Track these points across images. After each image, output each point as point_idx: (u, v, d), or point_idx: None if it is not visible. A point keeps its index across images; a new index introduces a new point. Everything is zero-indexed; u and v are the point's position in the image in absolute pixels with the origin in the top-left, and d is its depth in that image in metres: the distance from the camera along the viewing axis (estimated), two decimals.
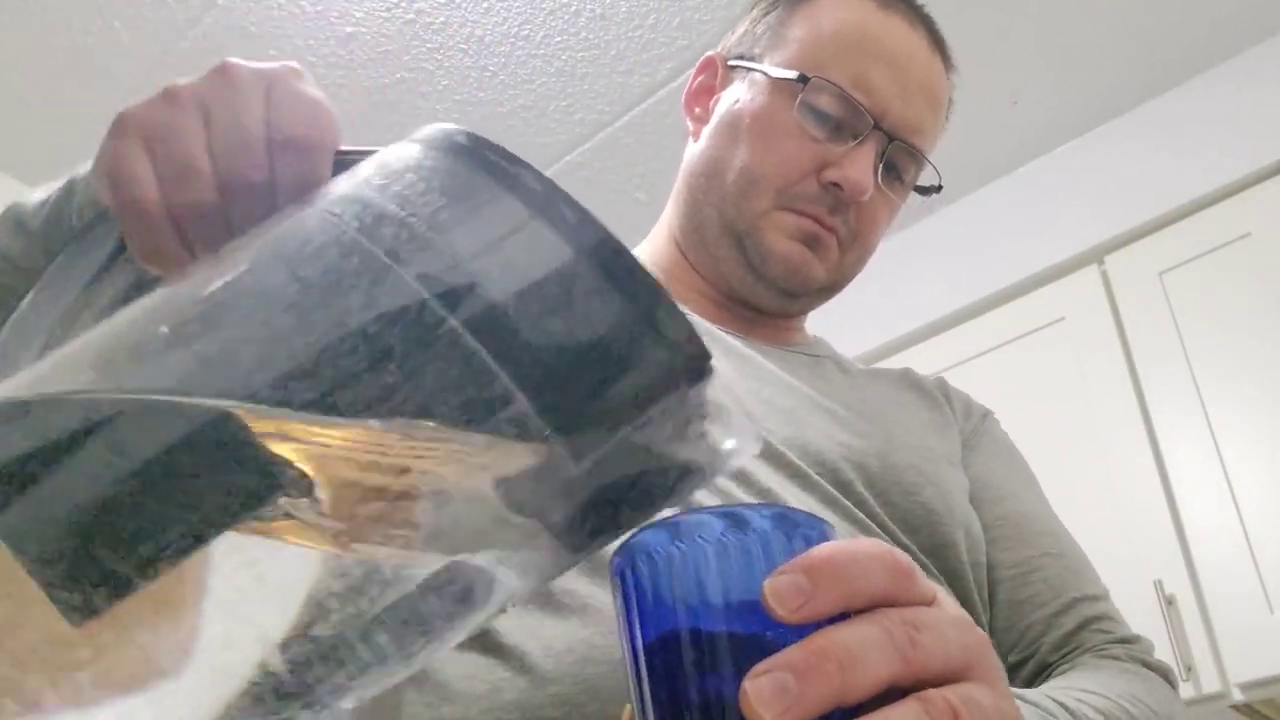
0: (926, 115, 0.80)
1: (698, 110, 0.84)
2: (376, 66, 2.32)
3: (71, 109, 2.39)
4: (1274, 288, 1.89)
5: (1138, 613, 1.81)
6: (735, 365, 0.74)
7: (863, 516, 0.68)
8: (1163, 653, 1.73)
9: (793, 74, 0.76)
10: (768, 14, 0.82)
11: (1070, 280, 2.16)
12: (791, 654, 0.29)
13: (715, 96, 0.83)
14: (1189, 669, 1.72)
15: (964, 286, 2.32)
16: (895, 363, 0.95)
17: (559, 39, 2.26)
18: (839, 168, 0.75)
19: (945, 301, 2.34)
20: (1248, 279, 1.93)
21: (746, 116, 0.78)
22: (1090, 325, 2.12)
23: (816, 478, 0.67)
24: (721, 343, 0.76)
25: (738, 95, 0.80)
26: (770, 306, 0.80)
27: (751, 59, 0.81)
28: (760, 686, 0.29)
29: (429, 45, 2.28)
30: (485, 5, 2.20)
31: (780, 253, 0.76)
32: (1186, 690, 1.71)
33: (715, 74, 0.84)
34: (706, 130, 0.81)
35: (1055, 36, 2.15)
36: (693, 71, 0.85)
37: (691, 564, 0.33)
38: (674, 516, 0.34)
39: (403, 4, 2.19)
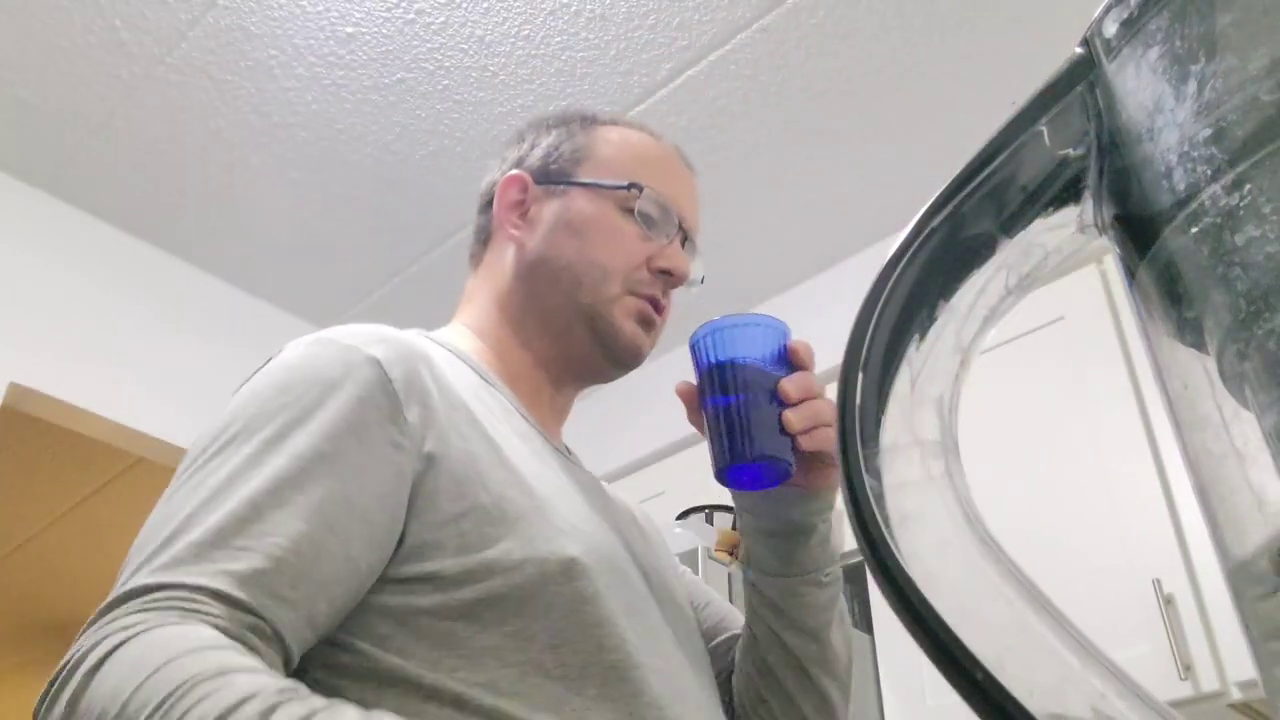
0: (698, 220, 1.00)
1: (515, 220, 0.98)
2: (377, 66, 2.32)
3: (72, 109, 2.39)
4: None
5: (1136, 611, 1.82)
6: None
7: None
8: (1161, 652, 1.75)
9: (624, 184, 0.94)
10: (567, 139, 1.00)
11: (1070, 280, 2.16)
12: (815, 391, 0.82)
13: (528, 208, 0.98)
14: (1188, 668, 1.73)
15: None
16: None
17: (559, 39, 2.26)
18: (666, 258, 0.94)
19: None
20: None
21: (588, 221, 0.94)
22: (1089, 325, 2.12)
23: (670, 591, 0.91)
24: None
25: (569, 204, 0.96)
26: (602, 377, 0.98)
27: (567, 175, 0.97)
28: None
29: (429, 45, 2.28)
30: (485, 5, 2.20)
31: (627, 333, 0.93)
32: (1185, 689, 1.71)
33: (525, 189, 0.98)
34: (539, 235, 0.96)
35: None
36: (501, 186, 0.99)
37: (737, 327, 0.83)
38: (723, 318, 0.83)
39: (403, 4, 2.20)
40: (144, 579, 0.63)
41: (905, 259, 0.36)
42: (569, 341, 0.94)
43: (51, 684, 0.61)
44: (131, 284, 2.68)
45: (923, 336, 0.36)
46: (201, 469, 0.71)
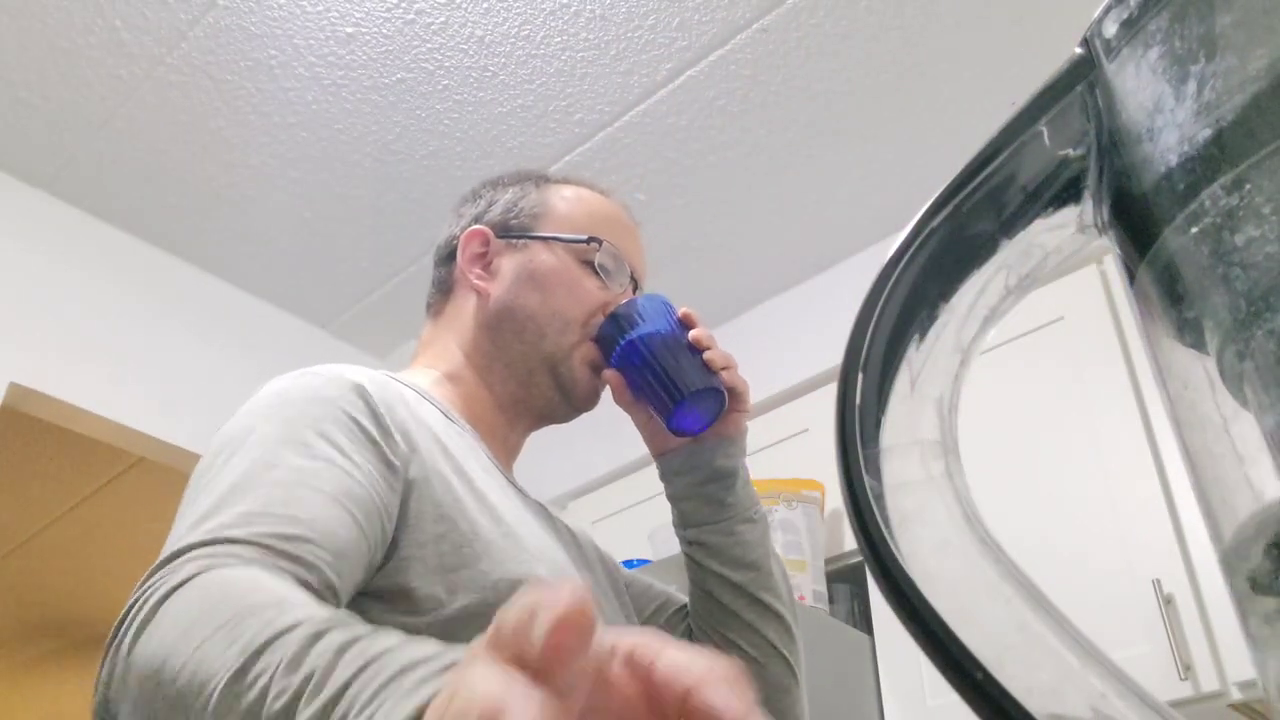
0: (645, 269, 1.11)
1: (479, 272, 1.04)
2: (377, 67, 2.32)
3: (72, 109, 2.39)
4: None
5: (1136, 612, 1.82)
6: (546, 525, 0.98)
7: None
8: (1161, 652, 1.75)
9: (584, 237, 1.03)
10: (523, 196, 1.07)
11: (1070, 280, 2.16)
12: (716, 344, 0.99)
13: (490, 260, 1.04)
14: (1188, 668, 1.73)
15: None
16: None
17: (559, 39, 2.26)
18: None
19: None
20: None
21: (550, 272, 1.02)
22: (1089, 325, 2.12)
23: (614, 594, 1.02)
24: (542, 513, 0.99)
25: (531, 256, 1.03)
26: (558, 420, 1.05)
27: (528, 229, 1.04)
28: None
29: (429, 45, 2.28)
30: (485, 6, 2.20)
31: (584, 381, 1.01)
32: (1185, 689, 1.71)
33: (487, 243, 1.05)
34: (503, 286, 1.02)
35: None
36: (463, 240, 1.05)
37: (636, 308, 0.99)
38: (618, 307, 0.99)
39: (403, 4, 2.19)
40: (197, 536, 0.66)
41: (905, 259, 0.36)
42: (531, 387, 1.02)
43: (126, 613, 0.63)
44: (131, 284, 2.68)
45: (923, 336, 0.36)
46: (221, 470, 0.75)
